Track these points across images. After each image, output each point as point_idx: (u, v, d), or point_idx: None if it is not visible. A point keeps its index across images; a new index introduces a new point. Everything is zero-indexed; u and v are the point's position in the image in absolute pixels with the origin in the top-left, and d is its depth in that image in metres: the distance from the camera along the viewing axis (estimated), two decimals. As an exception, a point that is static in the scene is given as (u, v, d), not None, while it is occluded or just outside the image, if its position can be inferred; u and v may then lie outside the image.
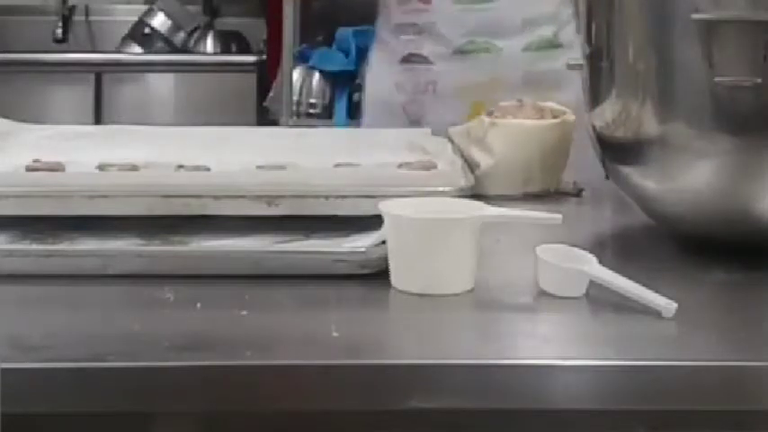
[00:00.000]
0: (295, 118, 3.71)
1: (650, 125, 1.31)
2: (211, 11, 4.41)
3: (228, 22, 4.39)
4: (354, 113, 3.74)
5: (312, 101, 3.77)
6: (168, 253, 1.26)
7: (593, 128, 1.40)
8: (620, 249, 1.43)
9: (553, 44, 2.06)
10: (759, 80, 1.24)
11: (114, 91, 4.14)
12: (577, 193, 1.62)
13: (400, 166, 1.45)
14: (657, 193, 1.34)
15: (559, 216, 1.22)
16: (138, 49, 4.20)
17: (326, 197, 1.31)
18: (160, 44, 4.20)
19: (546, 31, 2.07)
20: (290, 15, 3.63)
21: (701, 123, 1.28)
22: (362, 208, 1.29)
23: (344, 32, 3.82)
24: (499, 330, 1.15)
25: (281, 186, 1.32)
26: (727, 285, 1.27)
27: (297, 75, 3.73)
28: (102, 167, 1.46)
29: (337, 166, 1.47)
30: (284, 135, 1.74)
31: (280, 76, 3.74)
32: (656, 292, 1.15)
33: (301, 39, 3.84)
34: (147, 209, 1.30)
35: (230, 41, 4.31)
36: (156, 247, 1.28)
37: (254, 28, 4.23)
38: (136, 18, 4.24)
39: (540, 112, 1.64)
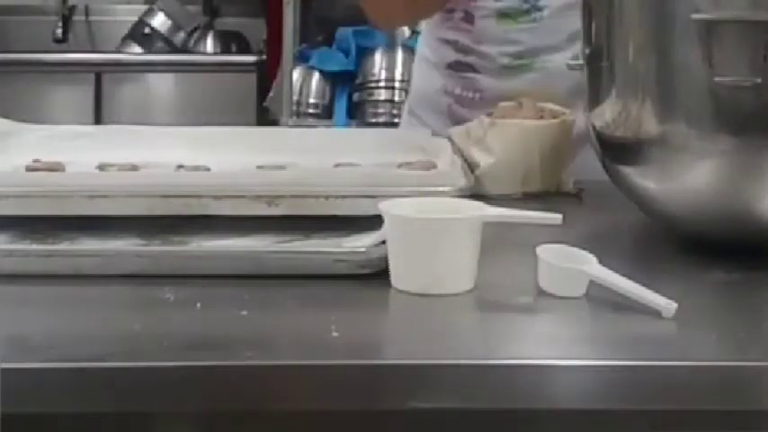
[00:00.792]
0: (295, 118, 3.71)
1: (650, 125, 1.31)
2: (211, 11, 4.41)
3: (228, 22, 4.40)
4: (354, 113, 3.75)
5: (312, 101, 3.78)
6: (168, 253, 1.26)
7: (593, 128, 1.40)
8: (620, 249, 1.42)
9: None
10: (759, 80, 1.24)
11: (114, 91, 4.14)
12: (577, 193, 1.62)
13: (400, 166, 1.45)
14: (657, 193, 1.34)
15: (559, 216, 1.22)
16: (138, 49, 4.21)
17: (326, 197, 1.31)
18: (160, 44, 4.21)
19: None
20: (290, 15, 3.64)
21: (700, 123, 1.28)
22: (362, 208, 1.29)
23: (344, 32, 3.84)
24: (499, 330, 1.15)
25: (281, 186, 1.32)
26: (727, 285, 1.27)
27: (297, 75, 3.74)
28: (102, 167, 1.46)
29: (337, 166, 1.47)
30: (284, 135, 1.74)
31: (280, 77, 3.74)
32: (656, 292, 1.15)
33: (301, 39, 3.85)
34: (147, 209, 1.30)
35: (230, 41, 4.32)
36: (156, 247, 1.28)
37: (254, 28, 4.24)
38: (136, 18, 4.25)
39: (540, 113, 1.64)
